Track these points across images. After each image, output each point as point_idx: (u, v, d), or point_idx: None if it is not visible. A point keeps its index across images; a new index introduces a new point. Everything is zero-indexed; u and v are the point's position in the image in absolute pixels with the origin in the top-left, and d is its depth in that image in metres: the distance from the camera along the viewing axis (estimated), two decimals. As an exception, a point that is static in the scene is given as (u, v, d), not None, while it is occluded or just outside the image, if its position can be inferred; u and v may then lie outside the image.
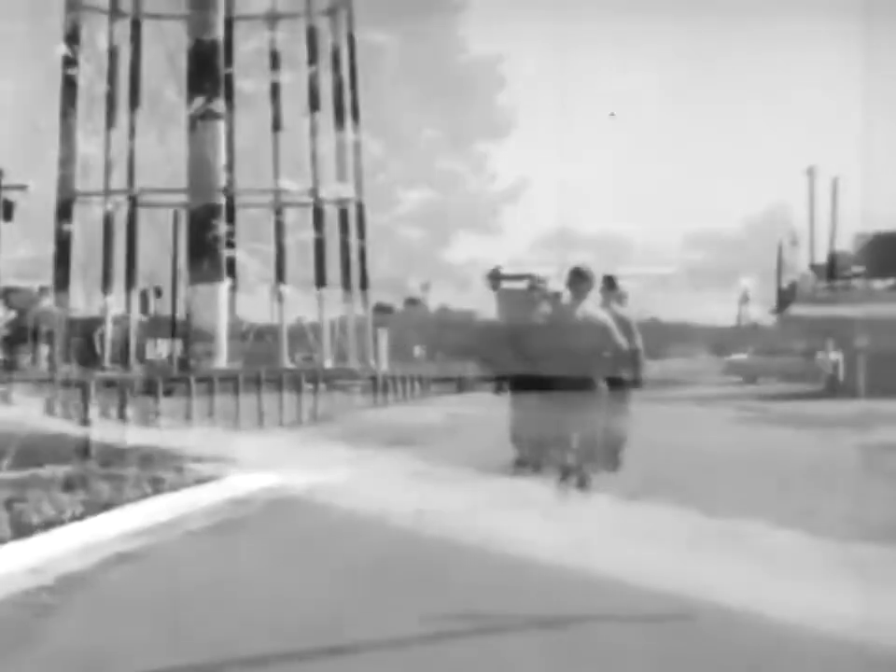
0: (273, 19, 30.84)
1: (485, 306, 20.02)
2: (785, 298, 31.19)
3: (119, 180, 28.33)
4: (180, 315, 26.44)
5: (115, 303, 26.50)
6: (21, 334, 24.10)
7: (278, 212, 30.58)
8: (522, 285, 15.21)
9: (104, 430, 18.15)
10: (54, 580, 8.94)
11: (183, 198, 27.57)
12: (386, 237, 52.05)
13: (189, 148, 27.79)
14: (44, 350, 23.12)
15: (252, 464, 14.99)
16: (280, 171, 30.04)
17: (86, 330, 23.59)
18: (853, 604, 8.04)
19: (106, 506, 11.55)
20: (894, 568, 9.45)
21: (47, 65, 31.60)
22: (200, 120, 27.17)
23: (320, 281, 28.41)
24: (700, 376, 30.23)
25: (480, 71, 55.92)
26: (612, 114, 63.26)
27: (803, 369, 28.26)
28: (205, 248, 26.94)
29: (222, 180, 27.78)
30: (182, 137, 28.16)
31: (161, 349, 25.04)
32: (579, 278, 13.12)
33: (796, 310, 29.29)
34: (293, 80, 31.55)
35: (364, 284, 29.49)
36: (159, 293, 25.55)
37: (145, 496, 12.31)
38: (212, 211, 27.26)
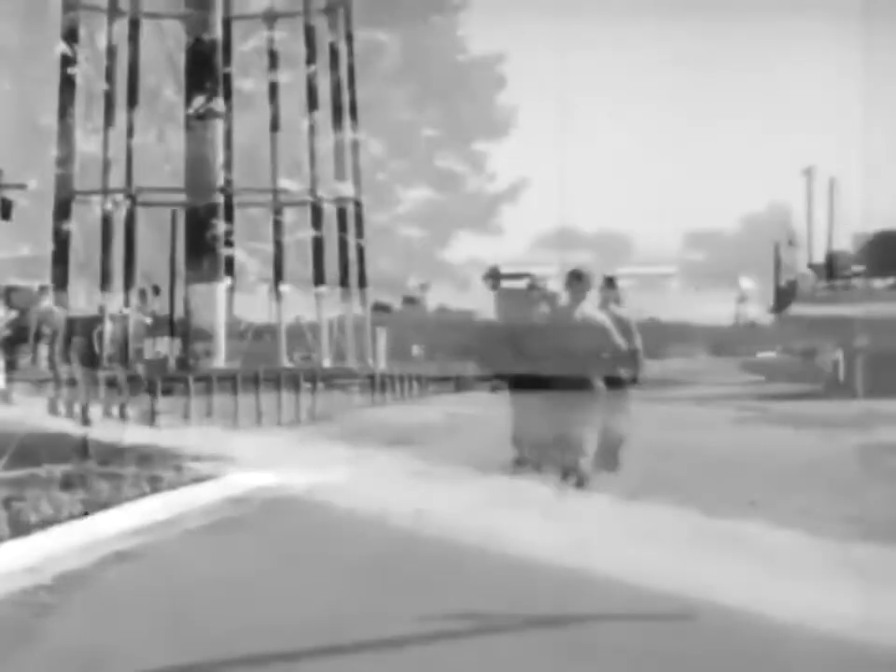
0: (270, 18, 30.81)
1: (484, 306, 19.99)
2: (782, 297, 31.20)
3: (117, 179, 28.31)
4: (179, 314, 26.41)
5: (114, 302, 26.55)
6: (22, 334, 24.11)
7: (277, 211, 30.56)
8: (520, 284, 15.17)
9: (103, 429, 18.14)
10: (52, 579, 8.92)
11: (182, 197, 27.56)
12: (386, 237, 52.06)
13: (187, 147, 27.75)
14: (44, 350, 23.10)
15: (250, 463, 14.97)
16: (279, 170, 29.99)
17: (86, 330, 23.60)
18: (853, 604, 8.03)
19: (105, 504, 11.53)
20: (894, 568, 9.44)
21: (46, 64, 31.60)
22: (198, 119, 27.14)
23: (318, 280, 28.37)
24: (700, 376, 30.24)
25: (480, 71, 55.92)
26: (610, 115, 63.31)
27: (802, 368, 28.24)
28: (204, 247, 26.90)
29: (221, 179, 27.75)
30: (181, 136, 28.16)
31: (160, 348, 24.99)
32: (577, 280, 13.24)
33: (795, 309, 29.28)
34: (293, 79, 31.54)
35: (362, 283, 29.45)
36: (157, 292, 25.53)
37: (143, 494, 12.29)
38: (210, 210, 27.22)
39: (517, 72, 57.94)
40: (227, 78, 28.84)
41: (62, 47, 27.88)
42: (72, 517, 10.91)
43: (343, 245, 28.98)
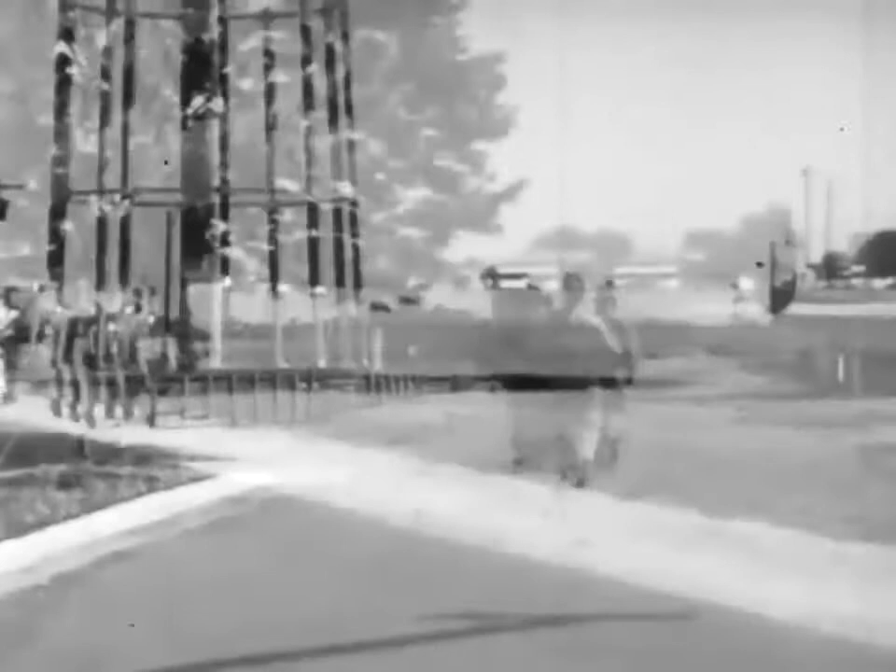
0: (267, 18, 30.76)
1: (481, 305, 19.96)
2: (778, 297, 31.23)
3: (114, 179, 28.25)
4: (175, 313, 26.36)
5: (113, 302, 26.49)
6: (23, 334, 24.08)
7: (274, 210, 30.51)
8: (518, 283, 15.19)
9: (101, 428, 18.12)
10: (49, 579, 8.89)
11: (178, 197, 27.51)
12: (385, 236, 52.02)
13: (183, 147, 27.71)
14: (44, 349, 23.09)
15: (247, 462, 14.94)
16: (276, 169, 29.93)
17: (89, 330, 23.57)
18: (852, 604, 8.00)
19: (101, 504, 11.49)
20: (894, 568, 9.41)
21: (46, 64, 31.54)
22: (196, 119, 27.10)
23: (314, 280, 28.32)
24: (699, 376, 30.21)
25: (479, 71, 55.84)
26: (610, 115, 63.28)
27: (801, 368, 28.20)
28: (201, 247, 26.85)
29: (217, 179, 27.71)
30: (178, 136, 28.13)
31: (157, 348, 24.92)
32: (572, 284, 13.42)
33: (794, 309, 29.28)
34: (290, 79, 31.49)
35: (358, 283, 29.39)
36: (153, 292, 25.45)
37: (139, 494, 12.25)
38: (207, 210, 27.18)
39: (517, 72, 57.78)
40: (224, 78, 28.80)
41: (59, 46, 27.83)
42: (68, 517, 10.88)
43: (339, 245, 28.92)
